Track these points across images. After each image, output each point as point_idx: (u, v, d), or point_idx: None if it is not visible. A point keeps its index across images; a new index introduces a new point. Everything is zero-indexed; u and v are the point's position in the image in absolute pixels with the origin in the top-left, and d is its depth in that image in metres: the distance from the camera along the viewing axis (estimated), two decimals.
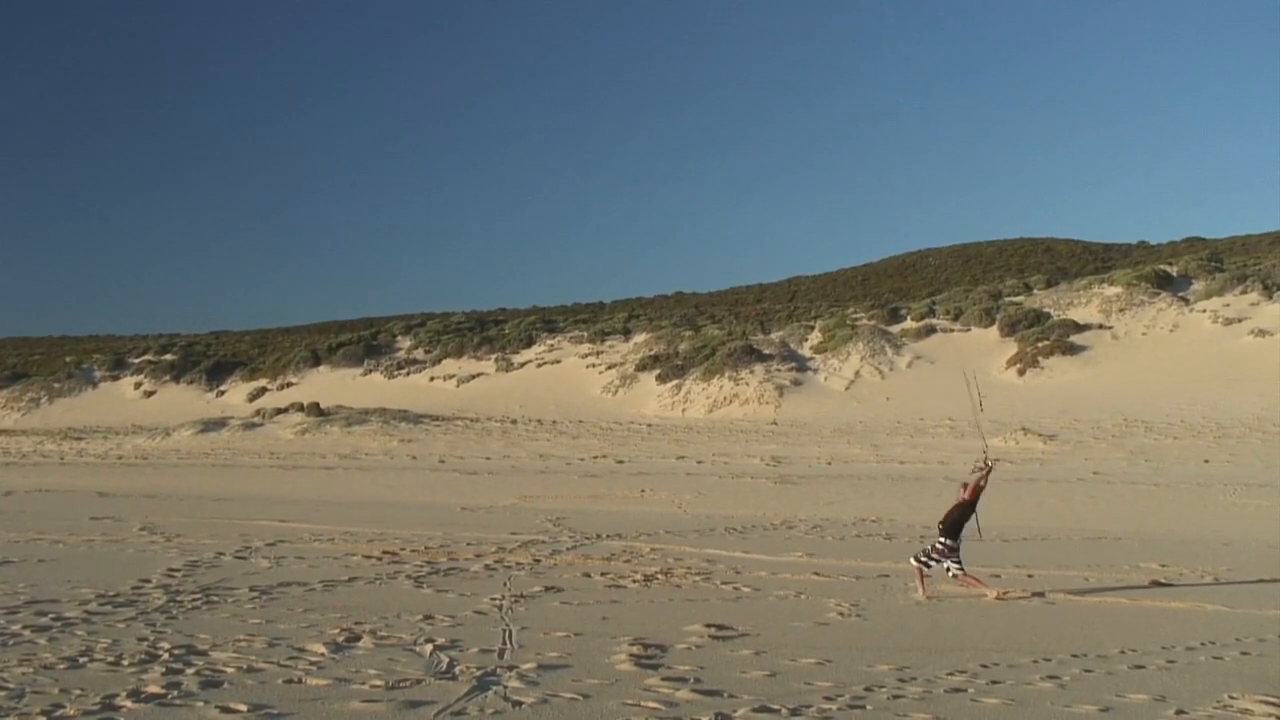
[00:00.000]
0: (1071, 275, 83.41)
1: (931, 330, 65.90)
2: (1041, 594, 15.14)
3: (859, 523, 23.98)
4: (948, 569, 14.91)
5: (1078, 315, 63.00)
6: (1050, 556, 18.89)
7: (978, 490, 15.52)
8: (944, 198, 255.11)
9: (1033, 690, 9.97)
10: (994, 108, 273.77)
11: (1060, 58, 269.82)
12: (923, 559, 15.08)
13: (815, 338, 67.29)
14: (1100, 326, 61.13)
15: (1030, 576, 16.57)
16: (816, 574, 16.80)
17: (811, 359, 63.93)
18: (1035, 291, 72.41)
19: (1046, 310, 64.86)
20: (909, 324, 68.05)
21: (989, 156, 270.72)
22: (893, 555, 18.77)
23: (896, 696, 9.68)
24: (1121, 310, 62.49)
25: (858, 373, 60.53)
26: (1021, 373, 57.07)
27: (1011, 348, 60.73)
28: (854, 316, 70.89)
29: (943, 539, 14.98)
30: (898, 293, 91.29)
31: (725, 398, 59.22)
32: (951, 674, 10.49)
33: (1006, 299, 70.06)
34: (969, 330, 65.37)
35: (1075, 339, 59.40)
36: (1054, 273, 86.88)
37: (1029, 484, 31.79)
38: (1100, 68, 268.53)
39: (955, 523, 15.13)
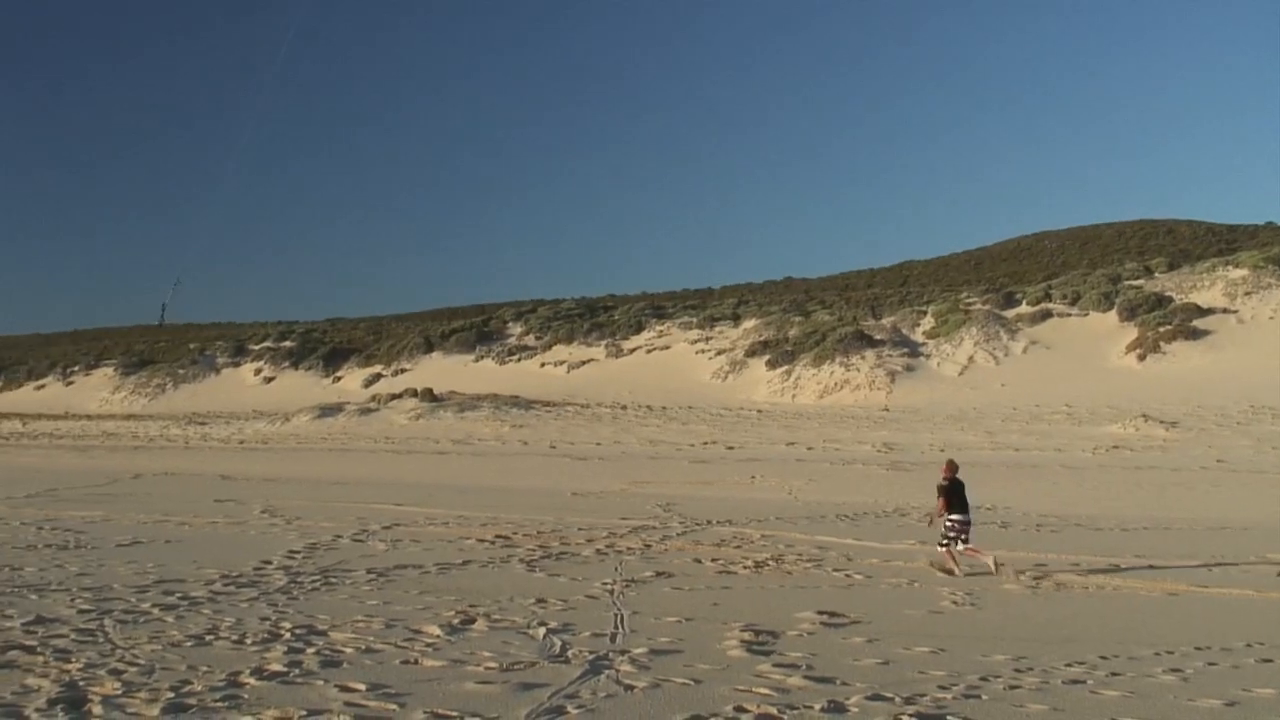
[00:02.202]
0: (1194, 258, 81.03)
1: (1048, 315, 64.63)
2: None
3: (973, 510, 23.62)
4: (962, 542, 15.81)
5: (1201, 299, 61.25)
6: (1172, 547, 18.44)
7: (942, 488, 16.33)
8: (1061, 179, 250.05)
9: (1154, 683, 9.74)
10: (1114, 87, 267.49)
11: (1183, 36, 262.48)
12: (947, 539, 15.96)
13: (928, 323, 66.42)
14: (1225, 310, 59.32)
15: (1151, 567, 16.19)
16: (930, 562, 16.63)
17: (924, 344, 63.12)
18: (1156, 275, 70.59)
19: (1168, 294, 63.16)
20: (1024, 309, 66.84)
21: (1108, 136, 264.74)
22: (1008, 544, 18.49)
23: (1013, 687, 9.52)
24: (1247, 293, 60.54)
25: (971, 358, 59.61)
26: (1142, 358, 55.70)
27: (1131, 333, 59.30)
28: (967, 301, 69.81)
29: (952, 517, 15.96)
30: (1012, 277, 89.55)
31: (836, 384, 58.75)
32: (1069, 665, 10.30)
33: (1126, 283, 68.41)
34: (1086, 315, 63.99)
35: (1198, 323, 57.76)
36: (1176, 255, 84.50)
37: (1149, 472, 31.03)
38: (1225, 46, 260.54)
39: (958, 500, 16.08)
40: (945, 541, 16.00)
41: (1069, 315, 64.50)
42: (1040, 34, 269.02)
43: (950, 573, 15.66)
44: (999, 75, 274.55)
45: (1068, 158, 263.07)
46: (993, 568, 15.56)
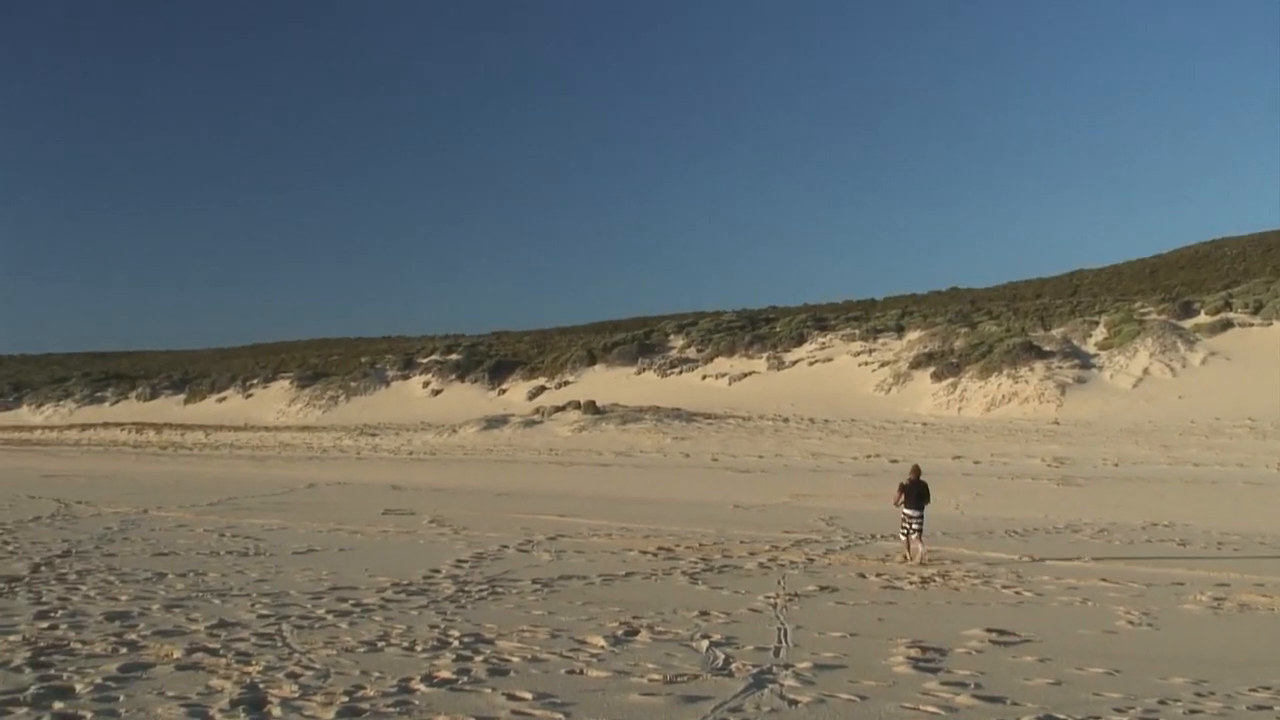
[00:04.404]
0: None
1: (1228, 325, 62.19)
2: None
3: (1149, 527, 22.90)
4: (915, 534, 18.13)
5: None
6: None
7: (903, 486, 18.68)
8: (1240, 183, 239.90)
9: None
10: None
11: None
12: (904, 530, 18.29)
13: (1100, 333, 64.51)
14: None
15: None
16: (1104, 580, 16.15)
17: (1095, 356, 61.33)
18: None
19: None
20: (1203, 318, 64.43)
21: None
22: (1187, 562, 17.85)
23: (1193, 711, 9.17)
24: None
25: (1146, 370, 57.70)
26: None
27: None
28: (1142, 311, 67.62)
29: (906, 511, 18.25)
30: (1190, 285, 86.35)
31: (1003, 396, 57.48)
32: (1254, 690, 9.88)
33: None
34: (1270, 325, 61.37)
35: None
36: None
37: None
38: None
39: (913, 498, 18.32)
40: (904, 533, 18.29)
41: (1251, 325, 61.95)
42: (1217, 32, 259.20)
43: (905, 558, 18.08)
44: (1175, 76, 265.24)
45: (1248, 160, 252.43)
46: (910, 556, 17.95)
